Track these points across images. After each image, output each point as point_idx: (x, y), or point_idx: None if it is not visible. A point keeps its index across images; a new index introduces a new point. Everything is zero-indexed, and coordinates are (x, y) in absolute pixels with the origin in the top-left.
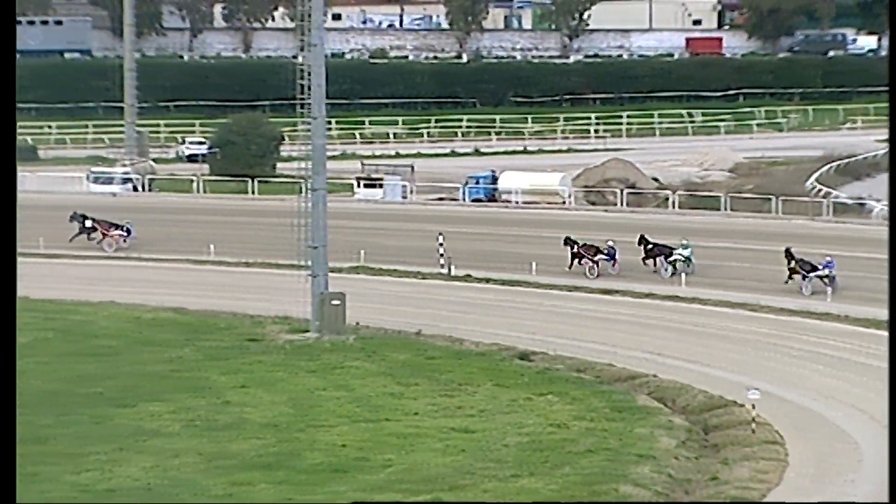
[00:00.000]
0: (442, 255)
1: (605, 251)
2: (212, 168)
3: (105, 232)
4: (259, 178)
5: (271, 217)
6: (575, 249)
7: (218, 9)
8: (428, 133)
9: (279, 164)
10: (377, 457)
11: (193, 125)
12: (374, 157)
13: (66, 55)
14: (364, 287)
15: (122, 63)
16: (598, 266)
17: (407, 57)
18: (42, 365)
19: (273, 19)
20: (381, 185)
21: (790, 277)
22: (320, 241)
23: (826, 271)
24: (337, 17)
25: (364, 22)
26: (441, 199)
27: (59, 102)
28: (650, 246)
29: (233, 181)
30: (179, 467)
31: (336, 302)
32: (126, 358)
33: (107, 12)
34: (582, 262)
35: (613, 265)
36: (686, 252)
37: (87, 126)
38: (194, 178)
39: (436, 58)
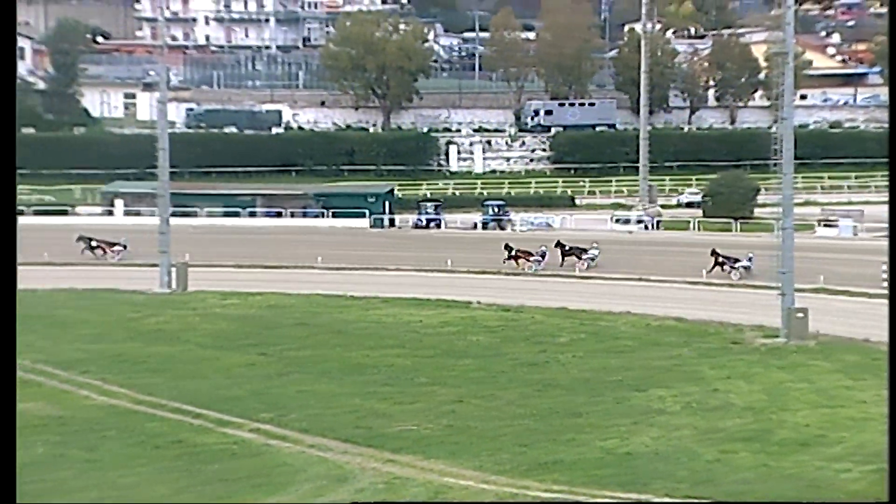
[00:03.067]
0: (885, 279)
1: (538, 253)
2: (704, 212)
3: (105, 249)
4: (741, 220)
5: (749, 249)
6: (512, 252)
7: (711, 92)
8: (875, 185)
9: (756, 210)
10: (833, 435)
11: (690, 180)
12: (831, 203)
13: (597, 128)
14: (822, 304)
15: (638, 133)
16: (535, 265)
17: (858, 127)
18: (578, 359)
19: (754, 99)
20: (836, 226)
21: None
22: (788, 267)
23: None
24: (803, 97)
25: (825, 100)
26: (885, 236)
27: (592, 163)
28: (567, 248)
29: (720, 222)
30: (680, 438)
31: (800, 315)
32: (639, 354)
33: (627, 96)
34: (518, 261)
35: (540, 264)
36: (595, 252)
37: (611, 181)
38: (691, 219)
39: (881, 127)
